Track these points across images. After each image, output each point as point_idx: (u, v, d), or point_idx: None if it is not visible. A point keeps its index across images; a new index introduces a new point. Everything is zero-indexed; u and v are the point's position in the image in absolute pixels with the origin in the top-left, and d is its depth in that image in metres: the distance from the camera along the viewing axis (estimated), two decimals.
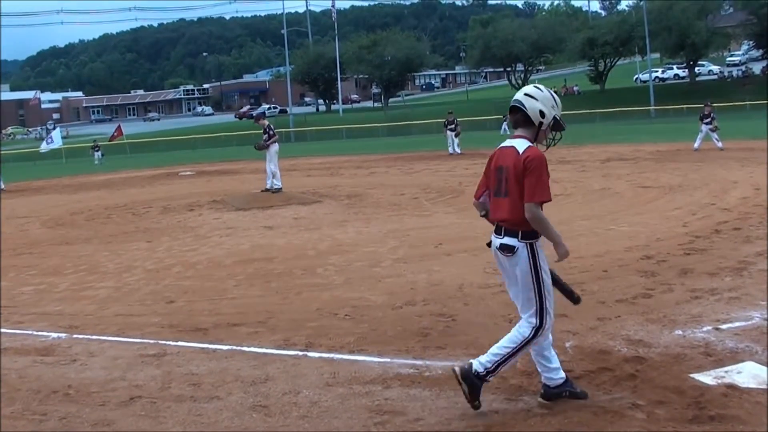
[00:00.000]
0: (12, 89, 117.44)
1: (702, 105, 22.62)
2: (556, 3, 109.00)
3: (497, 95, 72.77)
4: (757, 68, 66.42)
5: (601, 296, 5.97)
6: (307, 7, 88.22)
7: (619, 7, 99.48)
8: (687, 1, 56.22)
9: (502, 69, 73.81)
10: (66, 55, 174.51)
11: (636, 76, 71.30)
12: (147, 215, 13.56)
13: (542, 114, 3.77)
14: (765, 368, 4.20)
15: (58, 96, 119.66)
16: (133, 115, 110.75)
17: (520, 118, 3.84)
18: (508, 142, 3.89)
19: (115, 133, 43.31)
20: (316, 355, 4.95)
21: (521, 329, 3.81)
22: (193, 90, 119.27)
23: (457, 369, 3.80)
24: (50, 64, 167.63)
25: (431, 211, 11.97)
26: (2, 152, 29.98)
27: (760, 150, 17.99)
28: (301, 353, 4.99)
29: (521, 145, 3.77)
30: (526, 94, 3.83)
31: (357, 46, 75.35)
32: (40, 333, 5.86)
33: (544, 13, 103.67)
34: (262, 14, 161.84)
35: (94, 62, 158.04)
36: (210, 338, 5.46)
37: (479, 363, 3.80)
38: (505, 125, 41.21)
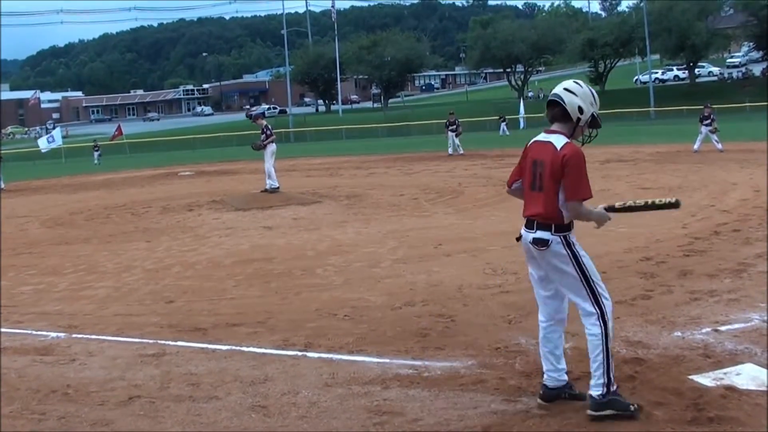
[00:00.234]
0: (12, 89, 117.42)
1: (702, 106, 22.63)
2: (556, 4, 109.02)
3: (497, 96, 72.94)
4: (757, 70, 66.44)
5: None
6: (306, 7, 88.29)
7: (620, 8, 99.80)
8: (687, 2, 56.24)
9: (501, 70, 73.80)
10: (66, 54, 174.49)
11: (636, 77, 71.32)
12: (146, 215, 13.56)
13: (581, 110, 3.72)
14: (764, 370, 4.20)
15: (58, 96, 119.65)
16: (133, 115, 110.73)
17: (557, 112, 3.76)
18: (544, 137, 3.81)
19: (116, 133, 43.42)
20: (315, 355, 4.95)
21: (591, 331, 3.68)
22: (192, 90, 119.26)
23: (589, 411, 3.64)
24: (50, 63, 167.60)
25: (431, 211, 11.97)
26: (2, 152, 29.92)
27: (760, 152, 17.99)
28: (300, 353, 4.99)
29: (559, 141, 3.71)
30: (565, 89, 3.76)
31: (357, 46, 75.37)
32: (39, 332, 5.87)
33: (544, 14, 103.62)
34: (262, 14, 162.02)
35: (93, 62, 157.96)
36: (209, 338, 5.45)
37: (594, 389, 3.65)
38: (504, 126, 41.29)
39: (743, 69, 70.91)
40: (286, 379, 4.51)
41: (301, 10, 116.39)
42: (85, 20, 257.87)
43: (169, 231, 11.24)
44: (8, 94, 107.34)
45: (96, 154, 37.72)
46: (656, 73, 68.22)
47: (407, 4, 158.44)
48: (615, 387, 3.67)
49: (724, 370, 4.24)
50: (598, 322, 3.67)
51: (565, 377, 3.91)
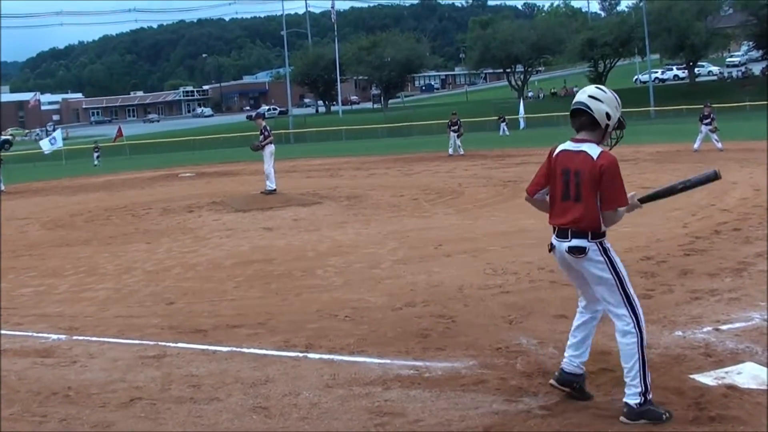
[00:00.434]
0: (11, 91, 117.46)
1: (702, 106, 22.63)
2: (555, 4, 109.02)
3: (497, 96, 72.91)
4: (756, 69, 66.48)
5: None
6: (306, 8, 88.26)
7: (619, 8, 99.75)
8: (687, 1, 56.24)
9: (501, 70, 73.80)
10: (65, 56, 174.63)
11: (636, 76, 71.35)
12: (146, 217, 13.56)
13: (608, 116, 3.69)
14: (765, 369, 4.20)
15: (58, 97, 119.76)
16: (133, 116, 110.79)
17: (585, 121, 3.71)
18: (573, 146, 3.74)
19: (117, 134, 43.57)
20: (316, 356, 4.95)
21: (626, 339, 3.66)
22: (192, 91, 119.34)
23: (623, 418, 3.60)
24: (50, 65, 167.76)
25: (431, 212, 11.97)
26: (2, 154, 29.92)
27: (760, 151, 18.00)
28: (301, 355, 4.99)
29: (593, 150, 3.66)
30: (590, 96, 3.70)
31: (356, 47, 75.39)
32: (39, 334, 5.86)
33: (543, 14, 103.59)
34: (262, 15, 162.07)
35: (93, 64, 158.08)
36: (210, 340, 5.45)
37: (630, 397, 3.62)
38: (504, 126, 41.28)
39: (743, 68, 70.97)
40: (287, 381, 4.50)
41: (301, 11, 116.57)
42: (84, 22, 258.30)
43: (170, 232, 11.24)
44: (8, 96, 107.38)
45: (95, 155, 37.74)
46: (656, 72, 68.24)
47: (407, 4, 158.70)
48: (650, 396, 3.63)
49: (725, 369, 4.24)
50: (634, 330, 3.64)
51: (583, 369, 3.94)
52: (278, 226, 11.26)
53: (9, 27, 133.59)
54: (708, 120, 20.98)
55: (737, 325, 5.09)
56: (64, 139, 43.08)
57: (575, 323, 3.99)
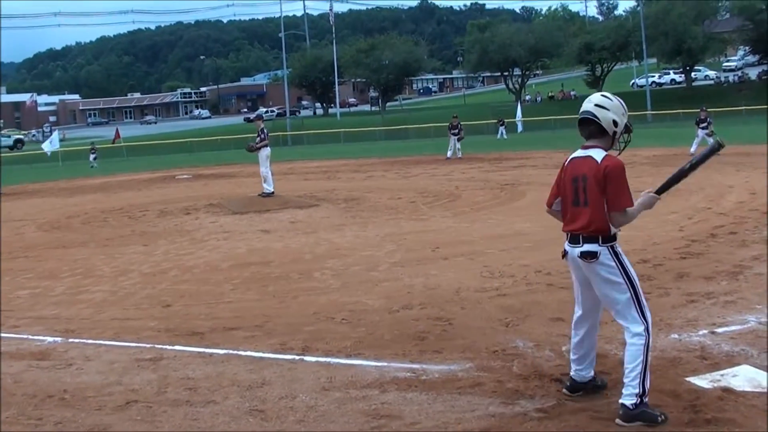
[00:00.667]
0: (8, 92, 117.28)
1: (698, 110, 22.71)
2: (553, 8, 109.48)
3: (494, 100, 72.99)
4: (753, 73, 66.72)
5: None
6: (304, 10, 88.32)
7: (616, 12, 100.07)
8: (684, 6, 56.40)
9: (499, 73, 73.85)
10: (63, 57, 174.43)
11: (633, 80, 71.49)
12: (143, 219, 13.54)
13: (615, 123, 3.76)
14: (761, 372, 4.22)
15: (55, 99, 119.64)
16: (130, 118, 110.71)
17: (594, 129, 3.78)
18: (582, 153, 3.83)
19: (115, 136, 43.62)
20: (313, 359, 4.95)
21: (635, 341, 3.67)
22: (190, 93, 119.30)
23: (619, 420, 3.61)
24: (47, 66, 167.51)
25: (428, 215, 11.98)
26: (0, 155, 29.89)
27: (756, 155, 18.05)
28: (297, 357, 4.99)
29: (598, 154, 3.74)
30: (597, 105, 3.76)
31: (355, 49, 75.47)
32: (35, 337, 5.85)
33: (541, 17, 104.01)
34: (260, 17, 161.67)
35: (90, 65, 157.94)
36: (206, 342, 5.45)
37: (626, 398, 3.63)
38: (502, 129, 41.34)
39: (739, 73, 71.20)
40: (284, 383, 4.50)
41: (299, 14, 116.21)
42: (82, 23, 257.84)
43: (166, 234, 11.23)
44: (5, 97, 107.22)
45: (92, 156, 37.70)
46: (653, 76, 68.42)
47: (405, 7, 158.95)
48: (646, 399, 3.64)
49: (721, 372, 4.25)
50: (644, 334, 3.67)
51: (592, 372, 4.02)
52: (275, 228, 11.25)
53: (6, 27, 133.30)
54: (705, 124, 21.07)
55: (733, 328, 5.11)
56: (60, 140, 43.09)
57: (574, 340, 4.02)
